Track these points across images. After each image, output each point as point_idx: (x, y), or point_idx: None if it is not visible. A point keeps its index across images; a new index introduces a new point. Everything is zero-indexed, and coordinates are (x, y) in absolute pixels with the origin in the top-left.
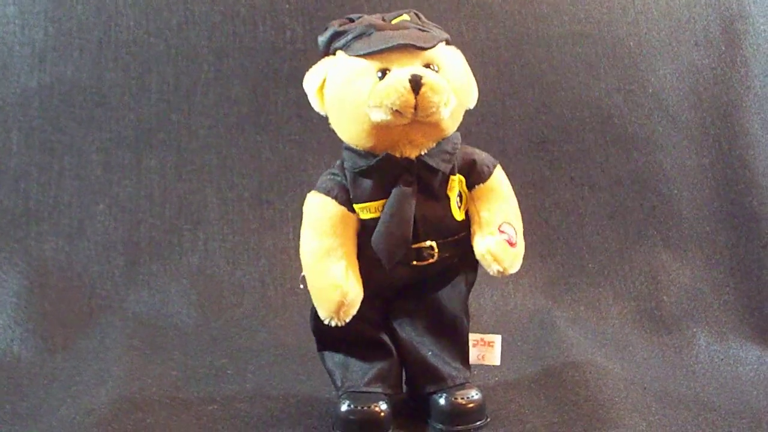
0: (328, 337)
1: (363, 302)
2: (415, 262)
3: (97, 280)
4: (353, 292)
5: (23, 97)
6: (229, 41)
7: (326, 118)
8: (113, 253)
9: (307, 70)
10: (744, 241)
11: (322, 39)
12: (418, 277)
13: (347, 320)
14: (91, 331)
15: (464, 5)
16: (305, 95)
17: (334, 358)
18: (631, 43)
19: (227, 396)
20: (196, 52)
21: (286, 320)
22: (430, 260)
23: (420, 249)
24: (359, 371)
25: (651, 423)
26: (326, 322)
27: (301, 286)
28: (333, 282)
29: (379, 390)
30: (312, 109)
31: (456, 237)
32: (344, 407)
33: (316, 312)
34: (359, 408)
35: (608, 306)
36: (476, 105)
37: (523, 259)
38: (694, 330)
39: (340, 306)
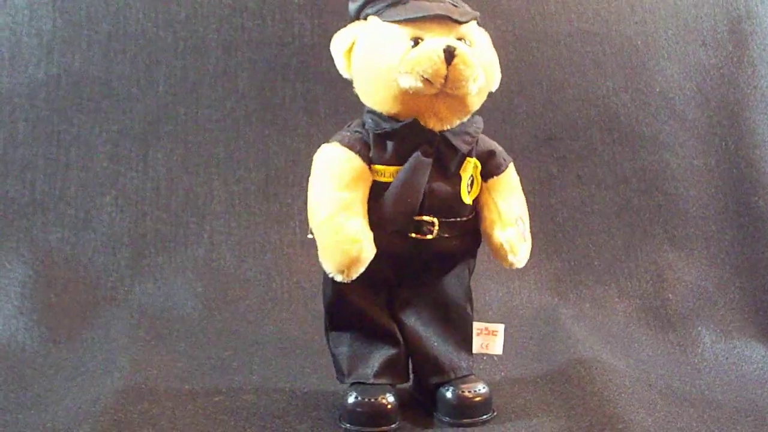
0: (339, 317)
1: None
2: (413, 234)
3: (103, 271)
4: (369, 250)
5: (30, 88)
6: (237, 35)
7: (338, 111)
8: (119, 245)
9: (315, 64)
10: (750, 240)
11: (354, 5)
12: (414, 253)
13: (353, 277)
14: (96, 322)
15: (472, 3)
16: (312, 89)
17: (342, 343)
18: (639, 42)
19: (233, 388)
20: (204, 45)
21: (291, 313)
22: (428, 236)
23: (420, 222)
24: (367, 362)
25: (656, 419)
26: (331, 275)
27: (310, 236)
28: (352, 236)
29: (387, 382)
30: (319, 102)
31: (458, 219)
32: (351, 399)
33: (331, 286)
34: (367, 400)
35: (614, 303)
36: (484, 102)
37: (530, 255)
38: (700, 328)
39: (355, 261)
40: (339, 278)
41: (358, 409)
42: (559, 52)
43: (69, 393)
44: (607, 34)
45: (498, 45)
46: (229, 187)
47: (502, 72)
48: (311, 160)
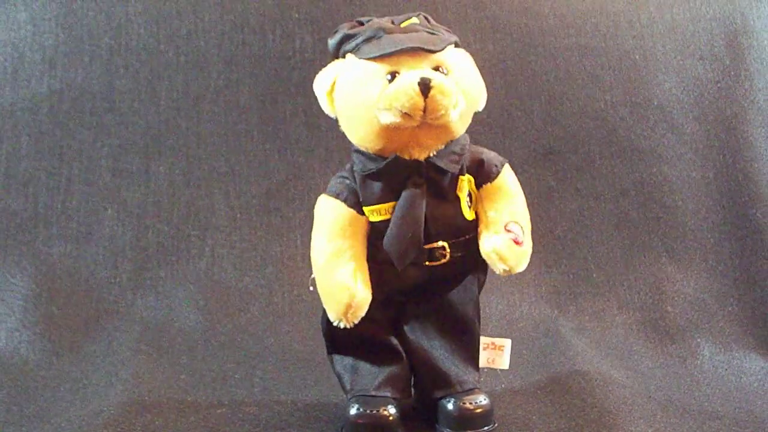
0: (338, 340)
1: (374, 305)
2: (427, 263)
3: (105, 284)
4: (361, 294)
5: (33, 103)
6: (239, 50)
7: (335, 123)
8: (121, 258)
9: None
10: (748, 252)
11: (332, 41)
12: (430, 278)
13: (356, 322)
14: (99, 335)
15: (472, 17)
16: (313, 104)
17: (343, 362)
18: (637, 57)
19: (235, 400)
20: (206, 60)
21: (293, 326)
22: (443, 260)
23: (432, 249)
24: (369, 375)
25: (656, 430)
26: (335, 324)
27: (311, 288)
28: (342, 284)
29: (388, 394)
30: (320, 116)
31: (467, 237)
32: (353, 411)
33: (327, 315)
34: (368, 412)
35: (613, 316)
36: (483, 115)
37: (529, 268)
38: (699, 340)
39: (348, 308)
40: (342, 325)
41: (360, 421)
42: (557, 66)
43: (72, 405)
44: (606, 48)
45: (497, 59)
46: (230, 201)
47: (501, 86)
48: (312, 174)
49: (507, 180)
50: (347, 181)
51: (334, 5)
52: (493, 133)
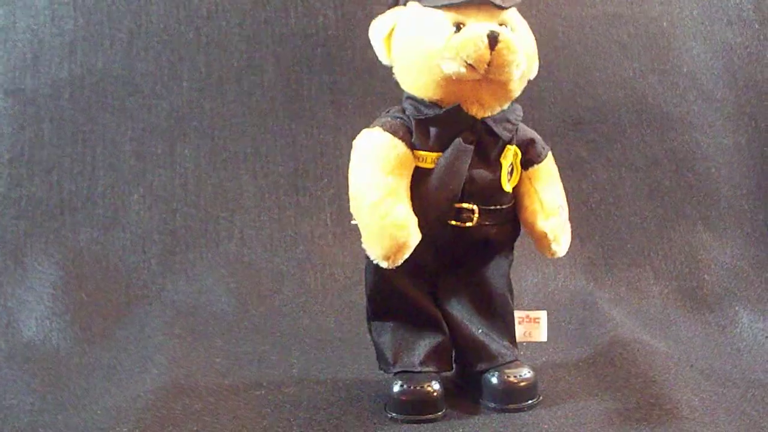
0: (382, 303)
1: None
2: (453, 222)
3: (134, 269)
4: (415, 236)
5: (54, 88)
6: (261, 28)
7: (361, 99)
8: (149, 243)
9: (340, 55)
10: None
11: None
12: (454, 242)
13: (398, 263)
14: (130, 320)
15: None
16: (337, 81)
17: (384, 330)
18: (664, 23)
19: (274, 381)
20: (228, 40)
21: (326, 306)
22: (468, 223)
23: (461, 210)
24: (411, 349)
25: (703, 399)
26: (376, 261)
27: (354, 222)
28: (399, 221)
29: (432, 369)
30: (345, 94)
31: (498, 207)
32: (397, 388)
33: (373, 277)
34: (412, 388)
35: (649, 286)
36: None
37: None
38: (737, 308)
39: (402, 247)
40: (384, 264)
41: (404, 398)
42: (584, 35)
43: (107, 392)
44: (633, 16)
45: None
46: (257, 181)
47: None
48: (339, 152)
49: (551, 166)
50: (403, 121)
51: None
52: (522, 105)
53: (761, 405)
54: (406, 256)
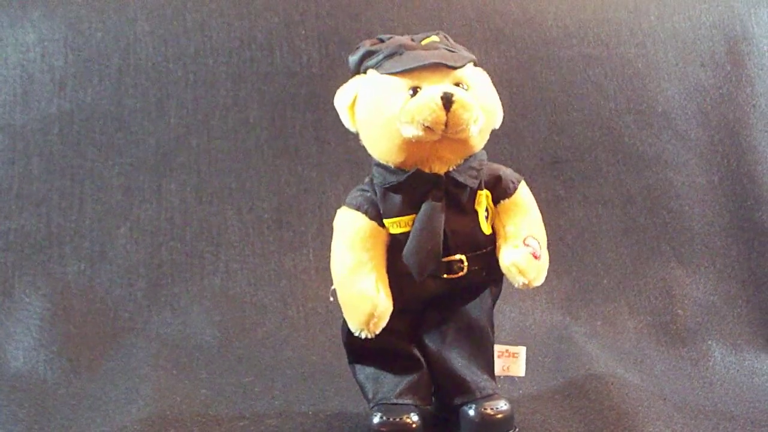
0: (359, 350)
1: (393, 315)
2: (445, 275)
3: (120, 302)
4: (383, 305)
5: (44, 124)
6: (247, 66)
7: (344, 137)
8: (135, 276)
9: (324, 93)
10: (755, 254)
11: (353, 58)
12: (447, 290)
13: (377, 332)
14: (116, 352)
15: (478, 30)
16: (322, 118)
17: (365, 371)
18: (640, 65)
19: (257, 413)
20: (214, 78)
21: (309, 339)
22: (460, 273)
23: (450, 262)
24: (390, 383)
25: (675, 431)
26: (356, 334)
27: (332, 299)
28: (364, 294)
29: (410, 402)
30: (329, 131)
31: (484, 250)
32: (376, 419)
33: (347, 325)
34: (391, 420)
35: (624, 320)
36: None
37: None
38: (709, 342)
39: (371, 318)
40: (363, 335)
41: (383, 429)
42: (562, 76)
43: (93, 423)
44: (609, 57)
45: (502, 71)
46: (242, 216)
47: (507, 97)
48: (322, 188)
49: (523, 196)
50: (368, 194)
51: (341, 21)
52: (500, 144)
53: None
54: (383, 324)
